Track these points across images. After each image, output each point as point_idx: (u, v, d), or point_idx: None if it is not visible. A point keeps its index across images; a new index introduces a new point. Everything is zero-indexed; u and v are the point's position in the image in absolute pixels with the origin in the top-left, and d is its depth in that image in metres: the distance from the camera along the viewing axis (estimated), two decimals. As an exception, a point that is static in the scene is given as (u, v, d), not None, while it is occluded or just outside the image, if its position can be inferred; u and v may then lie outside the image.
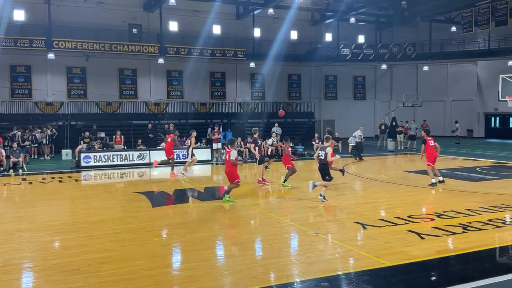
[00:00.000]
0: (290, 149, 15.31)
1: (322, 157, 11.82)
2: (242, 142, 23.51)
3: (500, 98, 20.91)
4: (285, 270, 6.78)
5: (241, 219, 10.35)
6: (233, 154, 11.71)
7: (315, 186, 12.03)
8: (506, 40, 34.68)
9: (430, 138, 14.78)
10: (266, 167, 17.49)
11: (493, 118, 38.85)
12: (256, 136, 15.36)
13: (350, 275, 6.54)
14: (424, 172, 17.33)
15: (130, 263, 7.10)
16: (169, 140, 17.97)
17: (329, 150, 11.83)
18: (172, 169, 17.81)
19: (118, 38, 29.56)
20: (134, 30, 30.59)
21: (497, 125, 38.77)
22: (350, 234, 8.81)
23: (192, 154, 17.62)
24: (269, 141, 18.30)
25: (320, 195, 11.86)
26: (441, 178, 14.61)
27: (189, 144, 17.86)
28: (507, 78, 20.58)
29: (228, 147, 12.21)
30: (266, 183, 14.90)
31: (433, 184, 14.15)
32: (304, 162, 22.63)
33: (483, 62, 37.88)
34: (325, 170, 11.88)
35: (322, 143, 13.38)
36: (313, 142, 24.12)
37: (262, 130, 30.84)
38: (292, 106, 36.85)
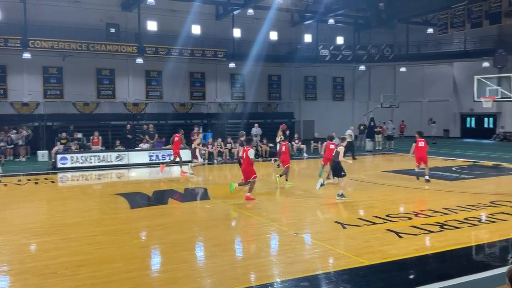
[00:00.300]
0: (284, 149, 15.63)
1: (334, 154, 12.35)
2: (222, 143, 23.46)
3: (476, 99, 21.31)
4: (265, 271, 6.78)
5: (221, 220, 10.31)
6: (251, 152, 12.21)
7: (322, 184, 12.53)
8: (481, 42, 35.44)
9: (422, 139, 15.40)
10: (278, 165, 18.06)
11: (468, 119, 39.67)
12: (242, 139, 15.38)
13: (330, 275, 6.58)
14: (402, 172, 17.60)
15: (108, 265, 7.00)
16: (176, 139, 18.23)
17: (341, 149, 12.31)
18: (181, 167, 18.24)
19: (96, 38, 29.15)
20: (112, 30, 30.20)
21: (473, 125, 39.62)
22: (330, 233, 8.86)
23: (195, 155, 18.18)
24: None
25: (338, 195, 12.07)
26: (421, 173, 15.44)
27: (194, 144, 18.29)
28: (482, 79, 21.00)
29: (245, 146, 12.58)
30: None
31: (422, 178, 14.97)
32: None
33: (459, 64, 38.65)
34: (337, 168, 12.30)
35: (317, 143, 13.92)
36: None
37: (242, 130, 30.87)
38: (272, 106, 36.94)
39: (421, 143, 15.35)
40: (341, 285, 6.17)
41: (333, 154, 12.50)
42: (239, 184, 12.56)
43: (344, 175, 12.24)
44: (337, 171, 12.32)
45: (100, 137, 23.78)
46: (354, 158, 21.91)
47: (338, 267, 6.81)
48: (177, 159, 18.16)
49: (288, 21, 37.16)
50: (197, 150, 18.56)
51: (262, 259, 7.30)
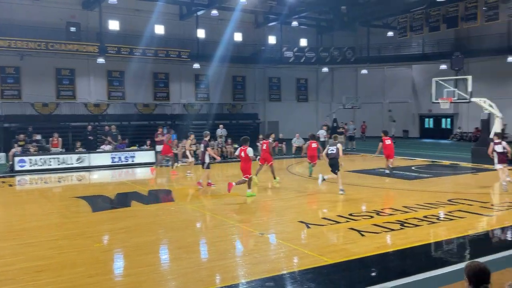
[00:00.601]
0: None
1: (334, 151, 13.24)
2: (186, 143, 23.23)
3: (434, 100, 22.01)
4: (231, 272, 6.79)
5: (186, 221, 10.24)
6: (250, 151, 12.84)
7: (324, 179, 13.36)
8: (439, 45, 36.69)
9: (388, 138, 16.85)
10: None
11: (427, 119, 40.95)
12: (207, 139, 15.34)
13: (295, 274, 6.65)
14: (363, 172, 17.99)
15: (70, 270, 6.83)
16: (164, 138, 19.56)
17: (340, 146, 13.44)
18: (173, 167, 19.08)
19: (55, 37, 28.34)
20: (72, 29, 29.43)
21: (431, 125, 40.93)
22: (294, 233, 8.95)
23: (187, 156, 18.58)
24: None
25: (340, 190, 12.97)
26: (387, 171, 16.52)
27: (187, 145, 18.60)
28: (440, 81, 21.71)
29: (242, 145, 13.14)
30: (213, 185, 14.74)
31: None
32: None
33: (418, 66, 39.86)
34: (335, 164, 13.18)
35: (282, 144, 14.32)
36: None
37: (207, 131, 30.71)
38: (237, 107, 36.96)
39: (388, 141, 16.47)
40: (305, 284, 6.25)
41: (332, 151, 13.26)
42: (236, 183, 12.74)
43: (338, 171, 13.16)
44: (334, 167, 13.20)
45: (60, 139, 23.09)
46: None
47: (303, 266, 6.90)
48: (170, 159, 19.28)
49: (252, 23, 37.30)
50: (187, 152, 18.57)
51: (228, 261, 7.30)
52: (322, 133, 23.92)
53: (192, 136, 18.95)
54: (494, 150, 13.56)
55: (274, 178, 15.41)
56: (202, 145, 15.27)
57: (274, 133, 19.76)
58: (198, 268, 6.95)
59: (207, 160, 14.64)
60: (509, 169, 13.54)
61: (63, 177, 18.45)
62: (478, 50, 33.85)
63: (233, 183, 12.59)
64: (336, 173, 13.15)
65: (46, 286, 6.21)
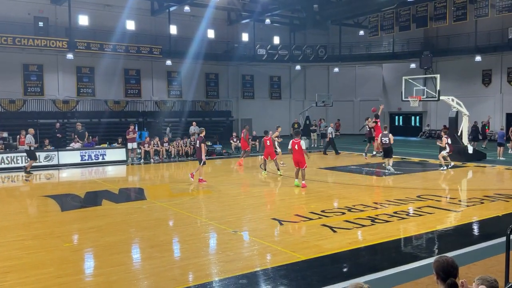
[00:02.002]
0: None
1: (387, 141, 17.10)
2: (159, 141, 22.98)
3: (403, 98, 22.42)
4: (204, 270, 6.75)
5: (158, 220, 10.13)
6: (303, 143, 13.87)
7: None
8: (408, 44, 37.43)
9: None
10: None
11: (397, 117, 41.72)
12: (202, 135, 15.38)
13: (268, 271, 6.66)
14: (335, 169, 18.20)
15: (38, 271, 6.65)
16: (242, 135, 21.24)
17: (391, 136, 17.27)
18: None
19: (23, 32, 27.55)
20: (40, 23, 28.70)
21: (401, 123, 41.72)
22: (267, 230, 8.98)
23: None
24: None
25: (388, 170, 16.68)
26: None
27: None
28: (409, 80, 22.13)
29: (294, 138, 14.09)
30: (204, 181, 14.94)
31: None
32: (223, 161, 22.68)
33: (388, 65, 40.56)
34: (389, 150, 17.19)
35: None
36: (231, 141, 24.33)
37: (181, 129, 30.50)
38: (210, 105, 36.78)
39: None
40: (278, 280, 6.28)
41: (385, 141, 17.13)
42: (296, 174, 13.91)
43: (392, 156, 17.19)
44: (388, 153, 17.15)
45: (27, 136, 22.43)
46: (337, 153, 23.81)
47: (276, 263, 6.92)
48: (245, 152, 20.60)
49: (225, 20, 37.15)
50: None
51: (201, 259, 7.26)
52: (330, 130, 24.22)
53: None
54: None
55: (278, 170, 16.60)
56: (198, 141, 15.48)
57: (274, 128, 20.23)
58: (171, 267, 6.88)
59: (203, 156, 14.88)
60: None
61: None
62: (447, 49, 34.73)
63: (303, 182, 13.65)
64: (391, 157, 17.41)
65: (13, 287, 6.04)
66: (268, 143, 17.02)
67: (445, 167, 17.63)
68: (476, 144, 24.36)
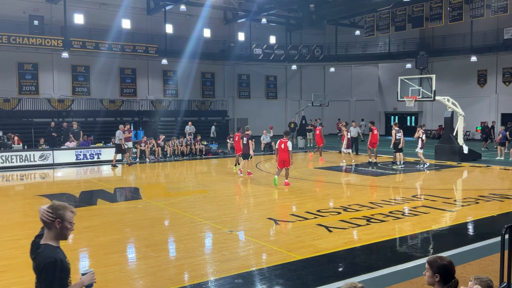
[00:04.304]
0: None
1: (400, 137, 18.43)
2: (154, 141, 22.95)
3: (399, 98, 22.46)
4: (200, 270, 6.74)
5: (153, 219, 10.10)
6: (290, 144, 13.95)
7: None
8: (404, 44, 37.52)
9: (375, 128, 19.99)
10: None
11: (392, 117, 41.75)
12: (249, 133, 16.41)
13: (263, 271, 6.66)
14: (332, 168, 18.22)
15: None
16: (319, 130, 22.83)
17: (401, 133, 18.59)
18: (320, 154, 21.78)
19: (17, 30, 27.41)
20: (35, 22, 28.56)
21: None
22: (263, 230, 8.98)
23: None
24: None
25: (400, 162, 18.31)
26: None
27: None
28: (405, 80, 22.17)
29: (283, 138, 14.12)
30: (251, 174, 16.16)
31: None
32: (218, 160, 22.66)
33: (384, 65, 40.64)
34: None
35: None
36: (228, 140, 24.29)
37: (177, 128, 30.43)
38: (206, 104, 36.72)
39: (375, 131, 19.70)
40: (274, 280, 6.27)
41: (396, 140, 18.43)
42: (277, 174, 14.12)
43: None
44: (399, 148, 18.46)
45: (15, 137, 22.22)
46: (357, 154, 23.58)
47: (271, 263, 6.92)
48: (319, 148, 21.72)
49: (221, 19, 37.11)
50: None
51: (196, 258, 7.25)
52: (355, 131, 23.24)
53: (355, 124, 21.32)
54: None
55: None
56: (245, 138, 16.08)
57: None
58: (167, 267, 6.87)
59: (251, 151, 15.96)
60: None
61: (25, 175, 17.90)
62: (442, 49, 34.84)
63: (286, 180, 13.90)
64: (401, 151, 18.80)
65: (9, 287, 6.01)
66: (282, 146, 14.07)
67: (425, 165, 18.32)
68: (487, 144, 25.27)
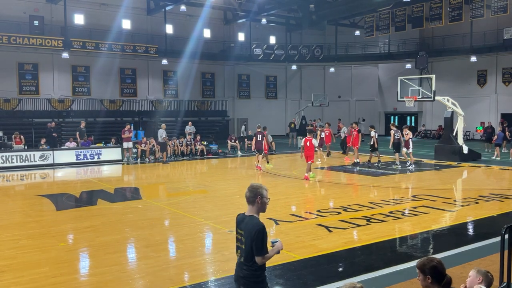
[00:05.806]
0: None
1: (398, 137, 18.61)
2: (154, 141, 22.92)
3: (399, 99, 22.47)
4: (200, 270, 6.75)
5: (153, 220, 10.11)
6: (315, 141, 15.61)
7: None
8: (404, 44, 37.52)
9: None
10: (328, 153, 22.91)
11: (392, 117, 41.76)
12: (265, 132, 18.11)
13: (263, 271, 6.65)
14: (332, 168, 18.21)
15: (33, 271, 6.63)
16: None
17: (399, 133, 18.73)
18: (347, 153, 22.39)
19: (18, 30, 27.41)
20: (36, 22, 28.56)
21: (396, 123, 41.64)
22: (263, 230, 8.96)
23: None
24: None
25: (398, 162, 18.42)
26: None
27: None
28: (405, 80, 22.18)
29: (308, 136, 15.42)
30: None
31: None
32: (218, 160, 22.66)
33: (384, 65, 40.63)
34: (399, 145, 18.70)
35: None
36: (228, 141, 24.33)
37: (177, 128, 30.43)
38: (206, 104, 36.71)
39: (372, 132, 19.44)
40: (274, 280, 6.28)
41: (395, 140, 18.64)
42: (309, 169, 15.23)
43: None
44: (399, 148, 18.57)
45: (21, 136, 22.34)
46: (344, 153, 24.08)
47: (271, 263, 6.90)
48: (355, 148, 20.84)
49: (221, 19, 37.11)
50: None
51: (196, 258, 7.26)
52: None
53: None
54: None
55: (310, 171, 15.76)
56: (259, 135, 17.57)
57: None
58: (167, 267, 6.88)
59: (265, 147, 17.77)
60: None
61: (25, 175, 17.91)
62: (442, 50, 34.84)
63: (306, 174, 15.03)
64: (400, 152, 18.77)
65: (9, 287, 6.02)
66: (308, 144, 15.33)
67: (412, 165, 18.50)
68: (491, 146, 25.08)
